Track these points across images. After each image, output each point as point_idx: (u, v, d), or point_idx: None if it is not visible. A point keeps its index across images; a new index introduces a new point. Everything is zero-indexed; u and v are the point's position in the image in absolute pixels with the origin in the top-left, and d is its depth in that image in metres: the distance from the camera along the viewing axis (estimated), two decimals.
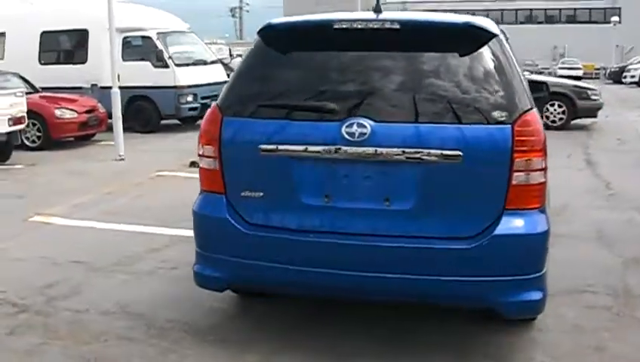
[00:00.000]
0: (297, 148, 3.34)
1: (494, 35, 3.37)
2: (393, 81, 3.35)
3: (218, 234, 3.58)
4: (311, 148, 3.31)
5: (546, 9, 60.42)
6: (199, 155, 3.63)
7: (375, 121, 3.25)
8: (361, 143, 3.23)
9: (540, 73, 29.96)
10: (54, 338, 3.87)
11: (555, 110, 13.42)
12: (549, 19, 60.35)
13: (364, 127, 3.23)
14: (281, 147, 3.36)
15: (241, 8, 78.84)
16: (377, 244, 3.28)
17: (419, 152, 3.18)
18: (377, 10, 3.59)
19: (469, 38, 3.33)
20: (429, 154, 3.18)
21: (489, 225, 3.20)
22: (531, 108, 3.26)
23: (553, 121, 13.35)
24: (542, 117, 10.21)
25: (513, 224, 3.21)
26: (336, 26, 3.43)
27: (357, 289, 3.39)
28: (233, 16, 78.78)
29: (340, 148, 3.26)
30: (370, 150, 3.23)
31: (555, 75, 33.78)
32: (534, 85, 5.64)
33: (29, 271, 5.06)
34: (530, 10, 60.60)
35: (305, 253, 3.38)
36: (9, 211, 7.09)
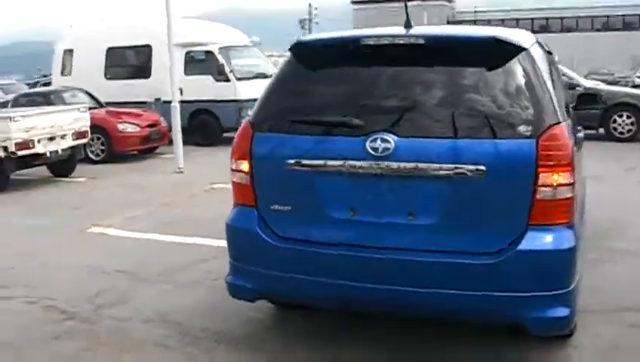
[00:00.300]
0: (321, 162, 3.44)
1: (523, 49, 3.37)
2: (417, 96, 3.40)
3: (249, 246, 3.71)
4: (336, 162, 3.40)
5: (624, 15, 58.52)
6: (232, 170, 3.78)
7: (399, 136, 3.31)
8: (385, 158, 3.30)
9: (616, 83, 28.99)
10: (97, 343, 4.09)
11: (623, 121, 13.01)
12: (627, 26, 58.36)
13: (388, 142, 3.30)
14: (306, 162, 3.47)
15: (310, 20, 79.73)
16: (401, 258, 3.33)
17: (442, 168, 3.23)
18: (407, 25, 3.66)
19: (495, 53, 3.35)
20: (452, 170, 3.22)
21: (513, 241, 3.21)
22: (559, 123, 3.25)
23: (621, 133, 12.94)
24: (609, 129, 9.92)
25: (538, 240, 3.20)
26: (363, 42, 3.51)
27: (382, 303, 3.46)
28: (302, 27, 79.68)
29: (364, 164, 3.34)
30: (394, 165, 3.29)
31: (633, 85, 32.59)
32: (587, 98, 5.60)
33: (79, 280, 5.33)
34: (607, 17, 58.82)
35: (331, 266, 3.46)
36: (68, 222, 7.47)
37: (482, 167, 3.18)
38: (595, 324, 4.15)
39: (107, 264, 5.71)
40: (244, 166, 3.68)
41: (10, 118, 9.32)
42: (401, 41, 3.45)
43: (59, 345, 4.09)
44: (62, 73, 16.29)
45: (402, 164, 3.29)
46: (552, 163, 3.15)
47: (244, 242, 3.73)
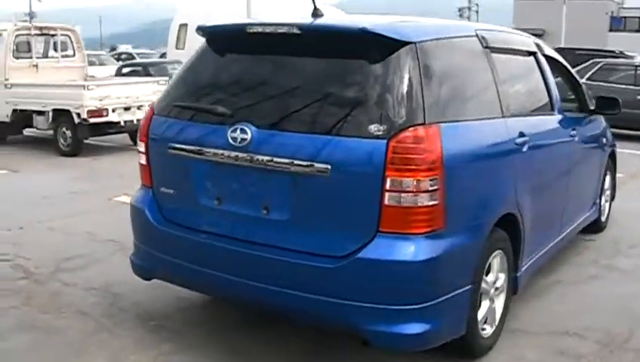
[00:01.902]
0: (192, 148, 3.49)
1: (403, 43, 3.19)
2: (284, 88, 3.35)
3: (141, 226, 3.86)
4: (203, 150, 3.44)
5: None
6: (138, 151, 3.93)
7: (258, 127, 3.27)
8: (243, 149, 3.29)
9: None
10: (26, 303, 4.43)
11: None
12: None
13: (246, 132, 3.28)
14: (179, 146, 3.55)
15: (469, 9, 77.85)
16: (254, 253, 3.33)
17: (292, 163, 3.17)
18: (315, 14, 3.59)
19: (367, 46, 3.20)
20: (297, 165, 3.15)
21: (360, 247, 3.09)
22: (423, 124, 3.05)
23: None
24: None
25: (384, 248, 3.06)
26: (248, 30, 3.50)
27: (242, 297, 3.49)
28: (461, 16, 78.04)
29: (224, 153, 3.35)
30: (248, 157, 3.27)
31: None
32: (604, 101, 5.22)
33: (65, 244, 5.73)
34: None
35: (201, 253, 3.52)
36: (104, 190, 7.99)
37: (327, 166, 3.08)
38: (523, 347, 3.90)
39: (105, 232, 6.08)
40: (142, 147, 3.81)
41: (84, 87, 10.10)
42: (281, 30, 3.39)
43: None
44: (176, 47, 17.17)
45: (257, 156, 3.26)
46: (403, 167, 2.99)
47: (138, 222, 3.88)
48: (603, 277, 5.10)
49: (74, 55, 12.46)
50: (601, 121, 5.88)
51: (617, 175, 6.85)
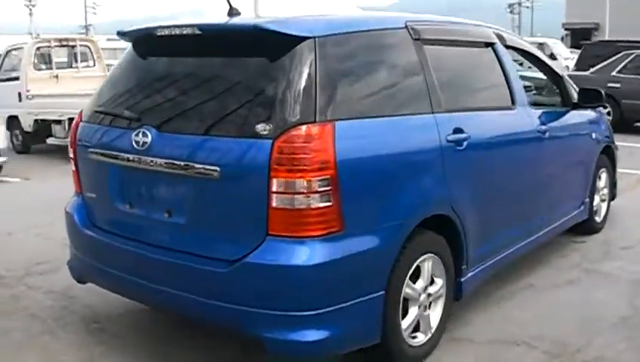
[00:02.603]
0: (106, 152, 3.48)
1: (300, 39, 3.05)
2: (185, 89, 3.31)
3: (71, 231, 3.87)
4: (114, 154, 3.41)
5: None
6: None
7: (158, 130, 3.21)
8: (144, 153, 3.23)
9: None
10: None
11: None
12: None
13: (146, 136, 3.22)
14: (97, 151, 3.54)
15: (520, 4, 76.39)
16: (157, 257, 3.27)
17: (184, 165, 3.10)
18: (231, 13, 3.52)
19: (264, 44, 3.10)
20: (190, 168, 3.07)
21: (249, 251, 2.97)
22: (314, 122, 2.91)
23: None
24: None
25: (271, 252, 2.93)
26: (158, 33, 3.44)
27: (148, 299, 3.51)
28: (511, 12, 76.61)
29: (129, 157, 3.29)
30: (149, 160, 3.21)
31: None
32: (586, 93, 4.98)
33: (43, 249, 5.75)
34: None
35: (117, 257, 3.50)
36: None
37: (217, 168, 2.99)
38: (463, 357, 3.70)
39: None
40: (71, 153, 3.80)
41: None
42: (184, 32, 3.32)
43: None
44: None
45: (155, 160, 3.20)
46: (289, 167, 2.86)
47: (69, 226, 3.88)
48: (579, 282, 4.82)
49: (94, 65, 12.72)
50: (589, 115, 5.57)
51: (633, 172, 6.48)
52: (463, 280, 3.83)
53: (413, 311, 3.48)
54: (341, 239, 2.97)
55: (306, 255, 2.90)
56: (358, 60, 3.28)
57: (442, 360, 3.64)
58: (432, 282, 3.62)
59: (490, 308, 4.31)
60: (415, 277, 3.47)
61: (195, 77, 3.31)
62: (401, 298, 3.35)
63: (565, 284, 4.78)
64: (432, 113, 3.53)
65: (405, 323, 3.43)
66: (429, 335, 3.61)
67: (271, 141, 2.89)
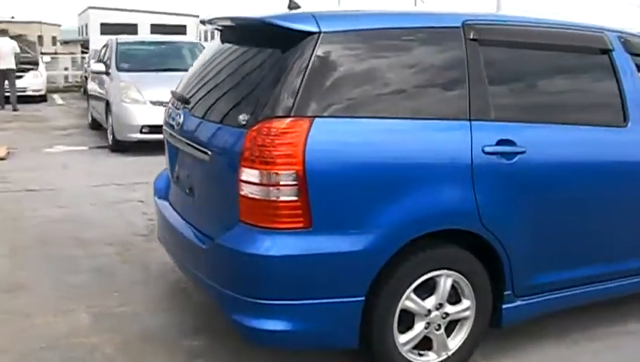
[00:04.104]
0: (167, 129, 3.95)
1: (305, 34, 3.07)
2: (211, 77, 3.61)
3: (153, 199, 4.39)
4: (168, 131, 3.85)
5: None
6: None
7: (189, 113, 3.54)
8: (178, 131, 3.59)
9: None
10: None
11: None
12: None
13: (181, 117, 3.56)
14: (165, 128, 4.05)
15: None
16: (180, 229, 3.62)
17: (196, 147, 3.38)
18: (291, 6, 3.67)
19: (272, 37, 3.19)
20: (194, 149, 3.38)
21: (223, 233, 3.15)
22: (287, 116, 2.95)
23: None
24: None
25: (237, 237, 3.06)
26: (217, 24, 3.74)
27: (183, 267, 3.81)
28: None
29: (172, 133, 3.68)
30: (178, 137, 3.55)
31: None
32: None
33: None
34: None
35: (165, 226, 3.92)
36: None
37: (207, 151, 3.26)
38: None
39: None
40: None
41: None
42: (220, 24, 3.57)
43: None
44: None
45: (181, 138, 3.53)
46: (256, 158, 2.95)
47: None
48: None
49: None
50: None
51: None
52: (505, 307, 3.49)
53: (418, 327, 3.30)
54: (308, 236, 2.97)
55: (267, 245, 2.96)
56: (372, 58, 3.17)
57: None
58: (457, 301, 3.38)
59: (552, 347, 3.82)
60: (428, 291, 3.28)
61: (221, 66, 3.57)
62: (398, 309, 3.21)
63: None
64: (469, 120, 3.26)
65: (405, 337, 3.28)
66: (444, 356, 3.39)
67: (245, 131, 3.00)
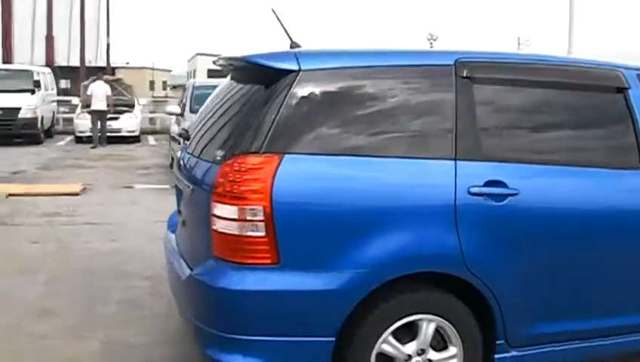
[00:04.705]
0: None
1: (284, 72, 3.11)
2: (211, 117, 3.72)
3: None
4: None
5: None
6: None
7: (190, 153, 3.72)
8: (179, 169, 3.76)
9: None
10: None
11: None
12: None
13: (183, 155, 3.74)
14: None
15: None
16: (172, 261, 3.74)
17: (184, 182, 3.61)
18: (292, 46, 3.76)
19: (258, 75, 3.27)
20: (185, 185, 3.64)
21: (198, 266, 3.25)
22: (256, 153, 2.98)
23: None
24: None
25: (207, 270, 3.12)
26: (218, 63, 3.88)
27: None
28: None
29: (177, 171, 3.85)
30: (179, 175, 3.74)
31: None
32: None
33: None
34: None
35: (167, 259, 4.03)
36: None
37: (190, 186, 3.37)
38: None
39: None
40: None
41: None
42: (222, 63, 3.72)
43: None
44: None
45: (180, 175, 3.73)
46: (225, 193, 3.00)
47: None
48: None
49: None
50: None
51: None
52: (498, 357, 3.32)
53: None
54: (275, 272, 2.97)
55: (235, 280, 2.98)
56: (352, 96, 3.17)
57: None
58: (444, 348, 3.26)
59: None
60: (410, 336, 3.19)
61: (219, 104, 3.67)
62: (374, 352, 3.12)
63: None
64: (454, 159, 3.18)
65: None
66: None
67: (218, 166, 3.07)
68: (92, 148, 16.89)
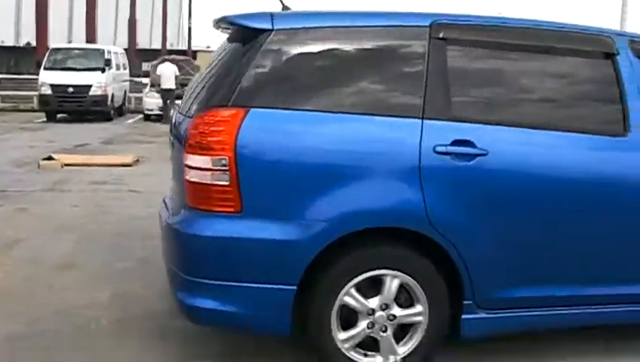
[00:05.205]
0: None
1: (260, 31, 3.25)
2: (201, 76, 3.86)
3: None
4: None
5: None
6: None
7: (178, 110, 3.94)
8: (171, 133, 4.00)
9: None
10: None
11: None
12: None
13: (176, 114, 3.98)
14: None
15: None
16: (162, 214, 3.91)
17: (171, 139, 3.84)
18: (283, 8, 3.89)
19: (239, 34, 3.44)
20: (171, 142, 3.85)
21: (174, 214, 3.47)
22: (224, 106, 3.14)
23: None
24: None
25: (179, 218, 3.35)
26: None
27: None
28: None
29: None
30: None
31: None
32: None
33: None
34: None
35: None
36: None
37: (175, 143, 3.65)
38: None
39: None
40: None
41: None
42: (216, 25, 3.82)
43: None
44: None
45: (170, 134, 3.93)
46: (194, 144, 3.19)
47: None
48: None
49: None
50: None
51: None
52: (465, 317, 3.37)
53: (361, 326, 3.29)
54: (238, 220, 3.13)
55: (201, 226, 3.17)
56: (323, 54, 3.29)
57: None
58: (410, 305, 3.34)
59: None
60: (375, 291, 3.28)
61: (208, 67, 3.77)
62: (337, 304, 3.24)
63: None
64: (421, 118, 3.24)
65: (345, 334, 3.29)
66: (391, 360, 3.34)
67: (190, 119, 3.25)
68: (161, 124, 17.51)
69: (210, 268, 3.19)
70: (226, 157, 3.10)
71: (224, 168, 3.10)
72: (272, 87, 3.22)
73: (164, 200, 4.04)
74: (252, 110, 3.14)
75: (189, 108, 3.59)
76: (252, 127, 3.12)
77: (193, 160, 3.18)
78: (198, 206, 3.21)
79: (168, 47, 41.87)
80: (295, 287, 3.18)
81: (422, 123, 3.25)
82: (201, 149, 3.15)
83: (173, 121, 3.92)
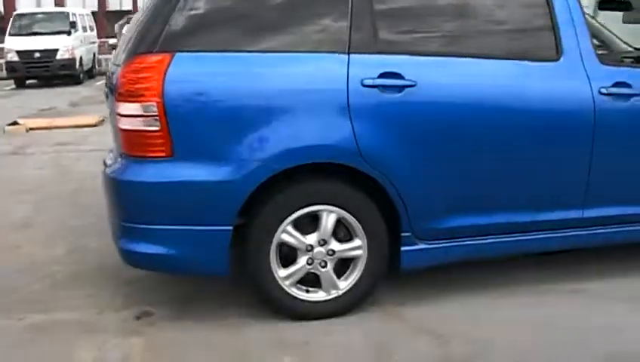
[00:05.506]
0: None
1: None
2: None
3: None
4: None
5: None
6: None
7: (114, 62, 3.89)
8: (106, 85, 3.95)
9: None
10: None
11: None
12: None
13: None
14: None
15: None
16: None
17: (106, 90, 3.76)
18: None
19: None
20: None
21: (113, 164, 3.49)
22: (150, 52, 3.14)
23: None
24: None
25: (115, 166, 3.42)
26: None
27: None
28: None
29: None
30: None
31: None
32: None
33: None
34: None
35: None
36: None
37: (109, 94, 3.61)
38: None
39: None
40: None
41: None
42: None
43: None
44: None
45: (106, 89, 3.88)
46: (122, 91, 3.21)
47: None
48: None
49: None
50: None
51: None
52: (404, 249, 3.44)
53: (300, 262, 3.36)
54: (170, 164, 3.16)
55: (134, 172, 3.22)
56: None
57: (350, 323, 3.41)
58: (349, 240, 3.40)
59: (472, 296, 3.69)
60: (313, 227, 3.34)
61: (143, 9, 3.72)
62: (274, 242, 3.30)
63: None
64: (347, 53, 3.25)
65: (285, 271, 3.35)
66: (333, 295, 3.42)
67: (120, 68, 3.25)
68: None
69: (147, 212, 3.23)
70: (155, 103, 3.11)
71: (154, 114, 3.12)
72: (198, 29, 3.22)
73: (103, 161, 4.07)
74: (177, 54, 3.14)
75: (118, 58, 3.58)
76: (178, 72, 3.12)
77: (124, 107, 3.19)
78: (131, 152, 3.24)
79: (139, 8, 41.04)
80: (230, 228, 3.23)
81: (348, 57, 3.26)
82: (130, 97, 3.15)
83: (108, 73, 3.90)
